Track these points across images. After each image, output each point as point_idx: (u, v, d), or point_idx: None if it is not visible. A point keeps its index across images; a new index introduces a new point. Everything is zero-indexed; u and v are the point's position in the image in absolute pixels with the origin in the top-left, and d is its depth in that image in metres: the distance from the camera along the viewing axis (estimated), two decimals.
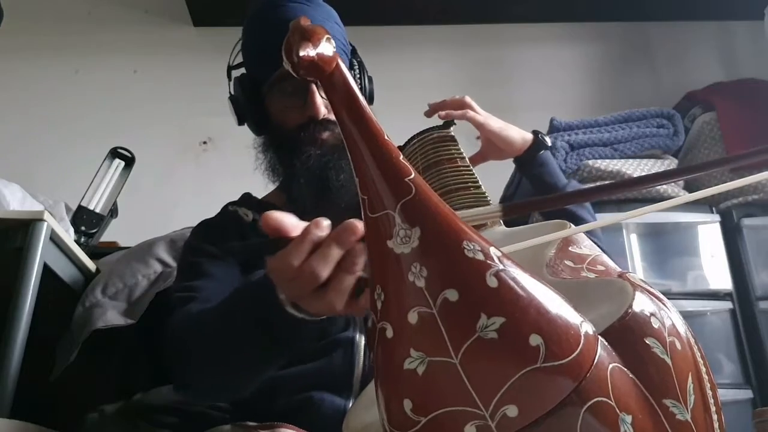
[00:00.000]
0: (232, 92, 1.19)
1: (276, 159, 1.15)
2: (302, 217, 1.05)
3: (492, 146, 1.14)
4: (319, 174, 1.07)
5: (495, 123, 1.13)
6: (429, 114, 1.15)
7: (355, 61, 1.20)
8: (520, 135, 1.14)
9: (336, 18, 1.17)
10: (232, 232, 1.10)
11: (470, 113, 1.11)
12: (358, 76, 1.19)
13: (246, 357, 0.75)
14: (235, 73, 1.21)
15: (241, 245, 0.88)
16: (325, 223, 0.61)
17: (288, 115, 1.10)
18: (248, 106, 1.15)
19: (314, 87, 1.08)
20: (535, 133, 1.16)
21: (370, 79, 1.21)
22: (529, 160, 1.15)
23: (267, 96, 1.13)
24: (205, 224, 1.15)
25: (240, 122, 1.18)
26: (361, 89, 1.16)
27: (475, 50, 2.57)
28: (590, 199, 1.03)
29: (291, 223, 0.61)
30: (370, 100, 1.21)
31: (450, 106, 1.12)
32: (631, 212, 0.64)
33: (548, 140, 1.16)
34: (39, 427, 0.87)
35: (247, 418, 0.91)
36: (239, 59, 1.20)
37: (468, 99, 1.13)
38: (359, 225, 0.59)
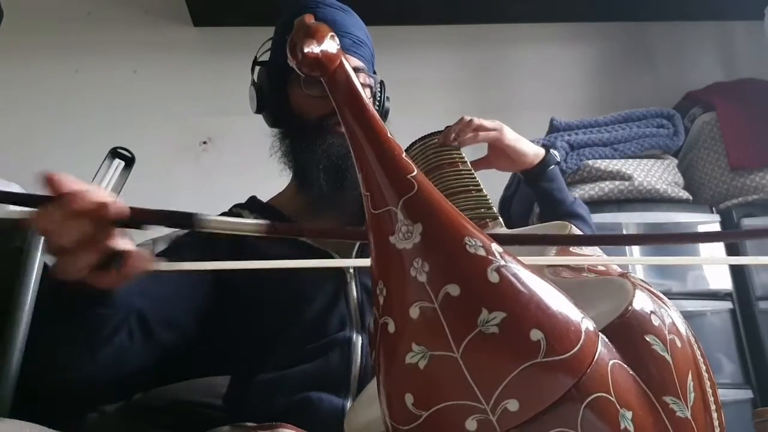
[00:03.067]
0: (255, 80, 1.19)
1: (294, 145, 1.14)
2: (314, 205, 1.06)
3: (503, 157, 1.14)
4: (338, 161, 1.07)
5: (510, 135, 1.12)
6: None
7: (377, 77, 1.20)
8: (532, 149, 1.14)
9: (366, 31, 1.17)
10: (229, 236, 1.10)
11: (482, 134, 1.09)
12: (379, 93, 1.19)
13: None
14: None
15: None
16: (92, 196, 0.63)
17: (312, 104, 1.09)
18: (272, 94, 1.14)
19: None
20: (547, 148, 1.16)
21: (388, 98, 1.21)
22: (539, 175, 1.15)
23: (292, 85, 1.12)
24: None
25: (259, 110, 1.17)
26: (380, 107, 1.17)
27: (475, 50, 2.57)
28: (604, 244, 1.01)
29: (66, 184, 0.63)
30: (384, 117, 1.20)
31: (457, 131, 1.08)
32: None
33: (558, 156, 1.17)
34: (39, 427, 0.87)
35: (245, 419, 0.92)
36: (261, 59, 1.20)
37: (476, 120, 1.09)
38: (120, 208, 0.63)
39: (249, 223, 0.62)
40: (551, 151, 1.15)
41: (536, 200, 1.18)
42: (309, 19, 0.45)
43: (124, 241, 0.66)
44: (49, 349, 0.87)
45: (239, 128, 2.28)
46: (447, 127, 1.08)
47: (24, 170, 2.14)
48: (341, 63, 0.45)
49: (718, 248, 1.92)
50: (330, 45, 0.45)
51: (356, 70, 1.09)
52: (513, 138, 1.12)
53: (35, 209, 0.62)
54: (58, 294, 0.78)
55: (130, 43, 2.50)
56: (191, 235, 1.14)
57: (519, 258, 0.47)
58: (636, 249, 1.93)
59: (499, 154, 1.13)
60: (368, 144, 0.46)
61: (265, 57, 1.20)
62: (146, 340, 0.94)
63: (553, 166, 1.15)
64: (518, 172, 1.18)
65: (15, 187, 1.60)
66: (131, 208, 0.65)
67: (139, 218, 0.65)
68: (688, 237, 0.95)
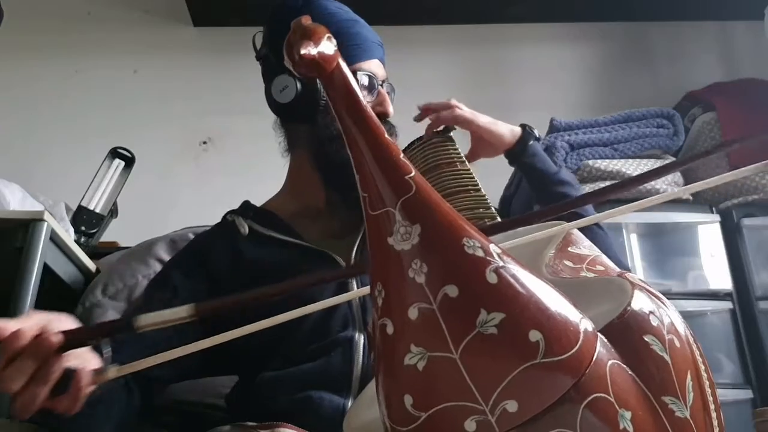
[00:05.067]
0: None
1: (332, 152, 1.08)
2: (313, 209, 1.02)
3: (482, 143, 1.16)
4: None
5: (483, 119, 1.15)
6: (419, 119, 1.17)
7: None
8: (508, 129, 1.16)
9: None
10: (226, 245, 1.10)
11: (457, 111, 1.13)
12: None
13: None
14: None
15: None
16: (27, 333, 0.64)
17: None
18: (304, 93, 1.07)
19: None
20: (523, 126, 1.18)
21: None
22: (520, 152, 1.16)
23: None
24: (197, 241, 1.17)
25: (288, 108, 1.09)
26: None
27: (475, 50, 2.57)
28: (587, 203, 1.04)
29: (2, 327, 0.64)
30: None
31: (436, 108, 1.13)
32: (628, 206, 0.64)
33: (536, 131, 1.19)
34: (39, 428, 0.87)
35: (246, 419, 0.92)
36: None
37: (454, 101, 1.14)
38: (56, 337, 0.63)
39: (176, 311, 0.62)
40: (528, 128, 1.18)
41: (525, 179, 1.20)
42: (306, 20, 0.45)
43: (72, 361, 0.66)
44: None
45: (239, 128, 2.28)
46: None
47: (24, 170, 2.16)
48: (338, 64, 0.45)
49: (719, 247, 1.92)
50: (327, 46, 0.45)
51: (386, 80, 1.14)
52: (487, 121, 1.15)
53: None
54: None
55: (130, 43, 2.50)
56: (186, 253, 1.15)
57: (515, 243, 0.47)
58: (636, 248, 1.93)
59: (480, 142, 1.16)
60: (366, 145, 0.46)
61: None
62: (145, 385, 0.96)
63: (532, 142, 1.17)
64: (502, 154, 1.19)
65: (15, 187, 1.60)
66: (64, 333, 0.65)
67: (76, 339, 0.65)
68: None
